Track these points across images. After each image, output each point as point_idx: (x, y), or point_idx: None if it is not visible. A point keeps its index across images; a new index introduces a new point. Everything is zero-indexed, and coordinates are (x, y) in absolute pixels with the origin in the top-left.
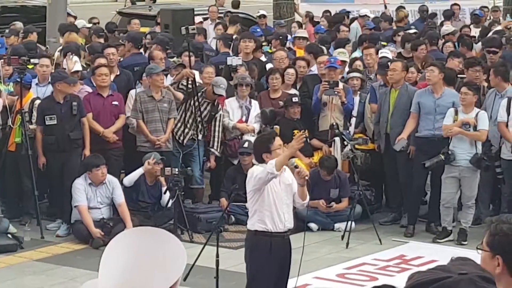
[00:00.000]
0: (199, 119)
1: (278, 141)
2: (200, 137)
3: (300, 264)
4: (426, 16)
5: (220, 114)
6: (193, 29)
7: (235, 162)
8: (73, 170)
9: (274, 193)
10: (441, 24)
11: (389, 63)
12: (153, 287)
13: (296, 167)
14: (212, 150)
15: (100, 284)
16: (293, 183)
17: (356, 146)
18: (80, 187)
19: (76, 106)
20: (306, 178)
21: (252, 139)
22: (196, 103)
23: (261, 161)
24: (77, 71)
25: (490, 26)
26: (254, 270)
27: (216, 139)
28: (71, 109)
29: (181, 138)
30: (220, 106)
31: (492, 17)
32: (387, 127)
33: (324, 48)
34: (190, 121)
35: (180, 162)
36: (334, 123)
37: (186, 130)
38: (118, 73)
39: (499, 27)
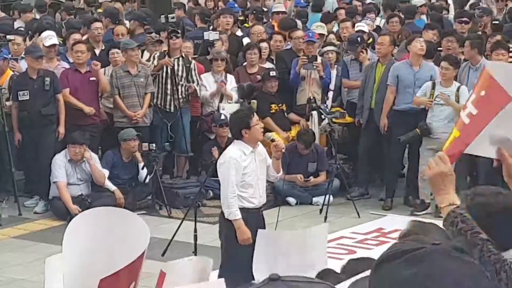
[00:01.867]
0: (177, 80)
1: (256, 116)
2: (182, 102)
3: None
4: None
5: (194, 63)
6: (173, 17)
7: (212, 137)
8: (47, 146)
9: (251, 171)
10: None
11: (358, 39)
12: (116, 263)
13: (272, 140)
14: (191, 84)
15: (65, 265)
16: (266, 157)
17: (334, 120)
18: (60, 163)
19: (49, 82)
20: (283, 151)
21: (228, 107)
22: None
23: (239, 137)
24: (54, 45)
25: None
26: (230, 246)
27: (194, 77)
28: (43, 84)
29: (166, 106)
30: (190, 57)
31: None
32: (371, 102)
33: (299, 22)
34: (169, 86)
35: (168, 132)
36: (312, 97)
37: (169, 97)
38: (103, 48)
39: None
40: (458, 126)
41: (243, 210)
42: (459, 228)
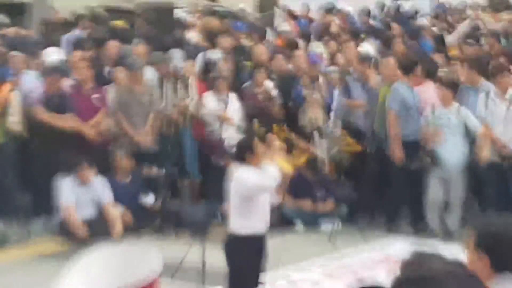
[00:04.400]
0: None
1: (259, 142)
2: (183, 123)
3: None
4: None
5: (191, 80)
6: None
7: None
8: (53, 168)
9: (265, 195)
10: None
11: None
12: None
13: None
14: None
15: None
16: None
17: (342, 147)
18: (67, 185)
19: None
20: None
21: (231, 131)
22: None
23: (244, 161)
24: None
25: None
26: (240, 273)
27: (190, 93)
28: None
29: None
30: (187, 78)
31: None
32: (375, 125)
33: (301, 41)
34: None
35: (172, 154)
36: (313, 118)
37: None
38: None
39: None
40: None
41: (254, 235)
42: None
